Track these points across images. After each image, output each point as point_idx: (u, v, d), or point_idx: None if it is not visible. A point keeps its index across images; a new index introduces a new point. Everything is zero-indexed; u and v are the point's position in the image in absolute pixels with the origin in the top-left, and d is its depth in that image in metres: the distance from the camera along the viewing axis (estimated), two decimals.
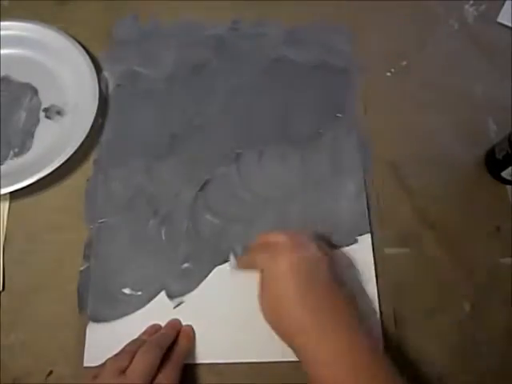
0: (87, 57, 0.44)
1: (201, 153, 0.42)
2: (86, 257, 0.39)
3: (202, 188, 0.41)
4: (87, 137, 0.41)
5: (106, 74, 0.46)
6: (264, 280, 0.32)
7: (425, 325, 0.37)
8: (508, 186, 0.42)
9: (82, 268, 0.38)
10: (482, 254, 0.40)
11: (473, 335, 0.37)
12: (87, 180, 0.41)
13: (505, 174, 0.41)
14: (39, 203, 0.41)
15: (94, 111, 0.42)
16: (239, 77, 0.46)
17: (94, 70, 0.44)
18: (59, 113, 0.44)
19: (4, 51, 0.45)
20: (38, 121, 0.44)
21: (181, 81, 0.45)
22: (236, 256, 0.38)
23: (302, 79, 0.46)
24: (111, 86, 0.45)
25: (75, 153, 0.41)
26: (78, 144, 0.40)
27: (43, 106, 0.44)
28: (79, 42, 0.45)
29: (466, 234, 0.40)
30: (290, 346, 0.31)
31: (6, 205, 0.40)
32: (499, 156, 0.40)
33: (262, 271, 0.33)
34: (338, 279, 0.33)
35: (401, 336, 0.37)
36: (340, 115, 0.44)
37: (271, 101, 0.45)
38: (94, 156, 0.42)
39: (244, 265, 0.37)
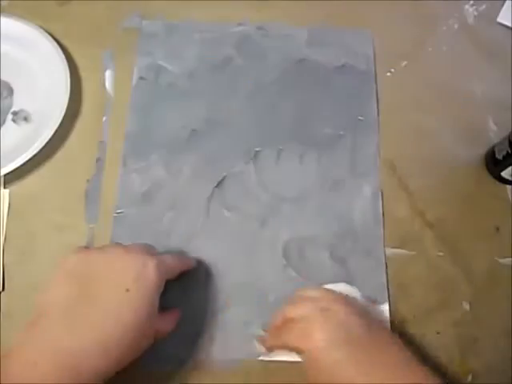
0: (68, 71, 0.43)
1: (220, 149, 0.43)
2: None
3: (218, 184, 0.41)
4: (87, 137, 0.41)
5: (107, 73, 0.45)
6: (307, 359, 0.30)
7: (425, 324, 0.37)
8: (508, 186, 0.42)
9: None
10: (481, 254, 0.40)
11: (472, 335, 0.37)
12: (87, 180, 0.41)
13: (505, 173, 0.41)
14: (39, 203, 0.41)
15: (55, 127, 0.40)
16: (262, 75, 0.46)
17: (69, 84, 0.42)
18: (26, 119, 0.43)
19: None
20: (3, 122, 0.43)
21: (203, 76, 0.46)
22: (260, 339, 0.36)
23: (324, 80, 0.46)
24: (134, 79, 0.45)
25: (75, 153, 0.41)
26: (29, 157, 0.39)
27: (13, 109, 0.43)
28: (78, 44, 0.45)
29: (466, 234, 0.40)
30: None
31: (6, 204, 0.40)
32: (499, 156, 0.40)
33: (298, 349, 0.31)
34: (375, 321, 0.32)
35: (401, 336, 0.37)
36: (361, 118, 0.44)
37: (293, 101, 0.45)
38: (96, 155, 0.42)
39: (273, 347, 0.34)
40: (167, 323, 0.33)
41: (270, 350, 0.35)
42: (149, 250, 0.32)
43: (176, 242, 0.39)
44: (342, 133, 0.43)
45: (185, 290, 0.37)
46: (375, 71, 0.46)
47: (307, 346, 0.30)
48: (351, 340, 0.29)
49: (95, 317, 0.28)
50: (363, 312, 0.32)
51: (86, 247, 0.32)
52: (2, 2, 0.48)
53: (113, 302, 0.28)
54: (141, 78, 0.45)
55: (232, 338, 0.36)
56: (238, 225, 0.40)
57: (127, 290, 0.28)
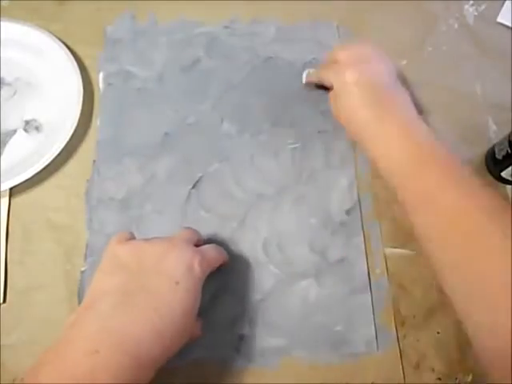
0: (80, 79, 0.43)
1: (194, 150, 0.42)
2: (85, 257, 0.39)
3: (194, 185, 0.41)
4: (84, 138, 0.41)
5: (101, 74, 0.45)
6: (334, 93, 0.39)
7: (425, 324, 0.37)
8: (508, 186, 0.42)
9: (83, 269, 0.38)
10: None
11: None
12: (87, 181, 0.41)
13: (505, 174, 0.41)
14: (39, 203, 0.41)
15: (68, 137, 0.40)
16: (231, 74, 0.46)
17: (81, 93, 0.42)
18: (37, 128, 0.43)
19: (7, 53, 0.45)
20: (14, 132, 0.43)
21: (173, 79, 0.45)
22: (308, 72, 0.44)
23: (293, 76, 0.46)
24: (102, 86, 0.45)
25: (75, 154, 0.41)
26: (41, 167, 0.39)
27: (25, 118, 0.43)
28: (78, 44, 0.45)
29: None
30: (362, 143, 0.37)
31: (6, 206, 0.40)
32: (499, 156, 0.40)
33: (331, 85, 0.39)
34: (398, 83, 0.38)
35: (400, 336, 0.37)
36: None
37: (263, 98, 0.45)
38: (93, 157, 0.42)
39: (314, 79, 0.43)
40: (198, 327, 0.33)
41: (312, 79, 0.44)
42: (192, 240, 0.33)
43: None
44: (313, 127, 0.44)
45: None
46: None
47: (337, 81, 0.38)
48: (375, 88, 0.36)
49: (149, 305, 0.28)
50: (392, 75, 0.38)
51: (131, 233, 0.33)
52: (2, 3, 0.48)
53: (164, 293, 0.29)
54: (109, 84, 0.45)
55: (218, 337, 0.36)
56: (216, 225, 0.40)
57: (177, 283, 0.29)
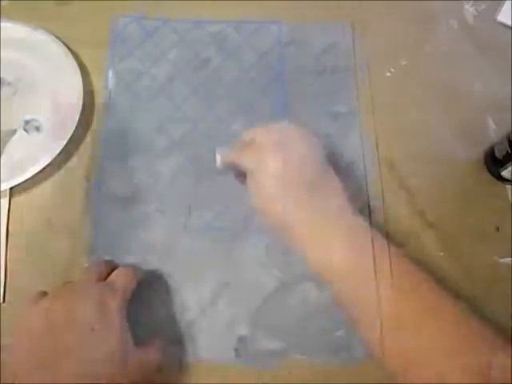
0: (80, 79, 0.43)
1: (201, 150, 0.42)
2: (89, 255, 0.39)
3: (200, 185, 0.41)
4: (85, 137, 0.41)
5: (110, 72, 0.45)
6: (253, 180, 0.34)
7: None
8: (508, 186, 0.42)
9: (86, 265, 0.38)
10: (481, 254, 0.40)
11: None
12: (87, 180, 0.41)
13: (505, 173, 0.41)
14: (39, 203, 0.41)
15: (68, 137, 0.40)
16: (242, 74, 0.46)
17: (82, 93, 0.42)
18: (37, 128, 0.43)
19: (7, 53, 0.45)
20: (14, 131, 0.43)
21: (182, 78, 0.45)
22: (222, 153, 0.38)
23: (304, 77, 0.46)
24: (111, 83, 0.45)
25: (75, 153, 0.41)
26: (41, 167, 0.39)
27: (25, 118, 0.43)
28: (78, 44, 0.45)
29: (466, 234, 0.40)
30: (287, 238, 0.33)
31: (6, 206, 0.40)
32: (499, 155, 0.40)
33: (249, 170, 0.34)
34: (327, 168, 0.35)
35: None
36: (342, 113, 0.44)
37: (274, 99, 0.45)
38: (94, 156, 0.42)
39: (230, 162, 0.37)
40: (151, 353, 0.32)
41: (227, 162, 0.37)
42: (102, 273, 0.33)
43: (158, 245, 0.39)
44: (322, 128, 0.43)
45: (167, 291, 0.38)
46: (355, 64, 0.46)
47: (258, 170, 0.33)
48: (300, 180, 0.32)
49: (71, 365, 0.28)
50: (319, 159, 0.34)
51: (44, 292, 0.32)
52: (2, 3, 0.48)
53: (82, 345, 0.28)
54: (118, 81, 0.45)
55: (218, 338, 0.36)
56: (220, 225, 0.40)
57: (92, 330, 0.29)
